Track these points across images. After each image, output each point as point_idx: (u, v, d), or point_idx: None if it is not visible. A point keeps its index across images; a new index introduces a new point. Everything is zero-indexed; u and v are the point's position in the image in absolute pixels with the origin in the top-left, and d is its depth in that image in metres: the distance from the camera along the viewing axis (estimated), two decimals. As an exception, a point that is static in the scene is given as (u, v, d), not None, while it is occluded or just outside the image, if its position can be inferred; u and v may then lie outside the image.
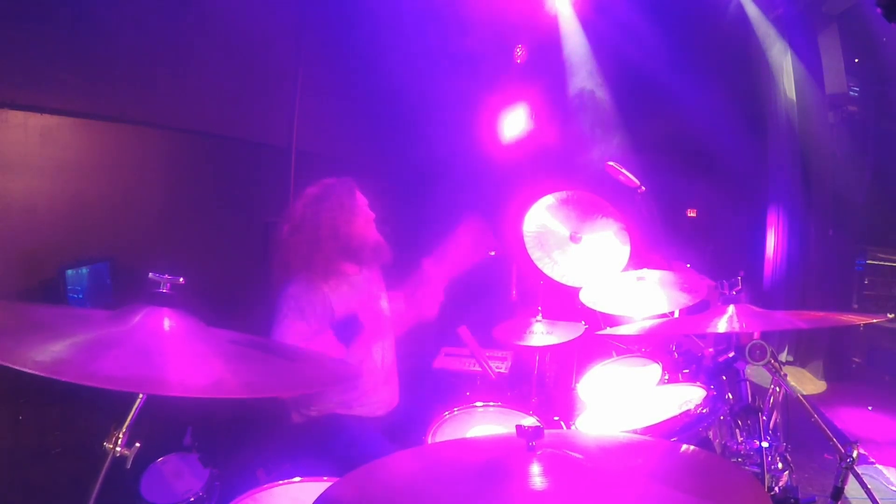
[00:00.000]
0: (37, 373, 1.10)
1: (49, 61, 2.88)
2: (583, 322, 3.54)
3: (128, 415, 1.40)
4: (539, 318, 3.47)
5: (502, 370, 3.93)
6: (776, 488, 2.05)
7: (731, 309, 2.09)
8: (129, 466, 1.39)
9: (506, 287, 4.62)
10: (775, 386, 2.19)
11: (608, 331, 2.81)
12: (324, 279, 2.61)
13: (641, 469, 1.36)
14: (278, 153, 4.49)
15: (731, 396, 2.44)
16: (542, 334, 3.39)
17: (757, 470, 2.01)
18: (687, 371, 3.05)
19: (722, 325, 2.02)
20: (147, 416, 1.42)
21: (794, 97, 6.23)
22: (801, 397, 2.11)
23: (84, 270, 2.97)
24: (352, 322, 2.60)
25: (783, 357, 6.23)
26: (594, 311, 3.30)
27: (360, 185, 2.81)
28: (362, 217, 2.72)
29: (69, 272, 2.87)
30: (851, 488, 1.91)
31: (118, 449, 1.37)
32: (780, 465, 2.09)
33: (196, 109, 3.75)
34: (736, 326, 2.01)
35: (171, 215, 3.59)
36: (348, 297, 2.68)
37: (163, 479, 2.29)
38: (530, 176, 4.68)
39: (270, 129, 4.45)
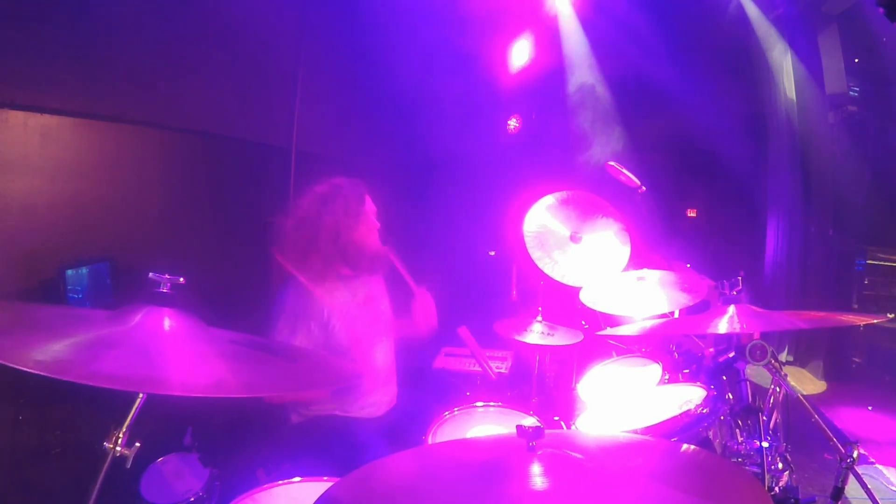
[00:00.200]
0: (38, 372, 1.10)
1: (49, 61, 2.88)
2: (583, 322, 3.54)
3: (128, 415, 1.40)
4: (539, 318, 3.47)
5: (502, 370, 3.93)
6: (776, 488, 2.05)
7: (731, 309, 2.09)
8: (129, 466, 1.39)
9: (506, 287, 4.61)
10: (775, 386, 2.19)
11: (608, 331, 2.81)
12: (319, 282, 2.60)
13: (641, 469, 1.36)
14: (278, 153, 4.49)
15: (731, 396, 2.44)
16: (541, 335, 3.39)
17: (757, 470, 2.01)
18: (687, 371, 3.04)
19: (722, 326, 2.02)
20: (147, 416, 1.42)
21: (794, 97, 6.23)
22: (801, 397, 2.10)
23: (84, 270, 2.97)
24: (346, 326, 2.61)
25: (783, 357, 6.23)
26: (594, 311, 3.30)
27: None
28: (365, 225, 2.68)
29: (69, 272, 2.87)
30: (851, 488, 1.90)
31: (118, 449, 1.37)
32: (780, 465, 2.09)
33: (196, 109, 3.75)
34: (736, 327, 2.01)
35: (171, 215, 3.59)
36: (344, 300, 2.67)
37: (163, 479, 2.29)
38: (530, 176, 4.68)
39: (270, 129, 4.44)
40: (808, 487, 3.29)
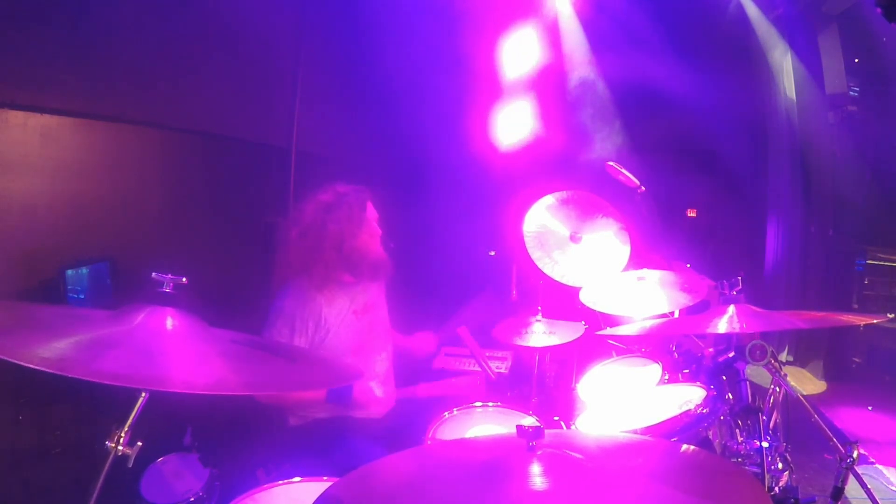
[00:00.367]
0: (43, 369, 1.10)
1: (49, 61, 2.89)
2: (583, 322, 3.54)
3: (128, 414, 1.40)
4: (539, 317, 3.47)
5: (502, 370, 3.93)
6: (776, 488, 2.05)
7: (731, 309, 2.09)
8: (130, 465, 1.39)
9: (506, 287, 4.61)
10: (775, 386, 2.19)
11: (608, 331, 2.81)
12: (320, 288, 2.61)
13: (641, 469, 1.36)
14: (278, 153, 4.49)
15: (731, 396, 2.44)
16: (542, 334, 3.39)
17: (757, 470, 2.01)
18: (687, 371, 3.04)
19: (722, 326, 2.02)
20: (147, 416, 1.43)
21: (794, 97, 6.23)
22: (801, 397, 2.11)
23: (84, 270, 2.97)
24: (343, 331, 2.62)
25: (783, 357, 6.23)
26: (594, 311, 3.30)
27: (355, 180, 2.80)
28: (367, 232, 2.69)
29: (69, 272, 2.88)
30: (851, 488, 1.90)
31: (120, 448, 1.37)
32: (780, 465, 2.09)
33: (196, 109, 3.75)
34: (736, 327, 2.01)
35: (171, 215, 3.59)
36: (342, 306, 2.67)
37: (163, 479, 2.29)
38: (530, 176, 4.68)
39: (270, 129, 4.45)
40: (808, 487, 3.29)
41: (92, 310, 1.52)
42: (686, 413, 2.28)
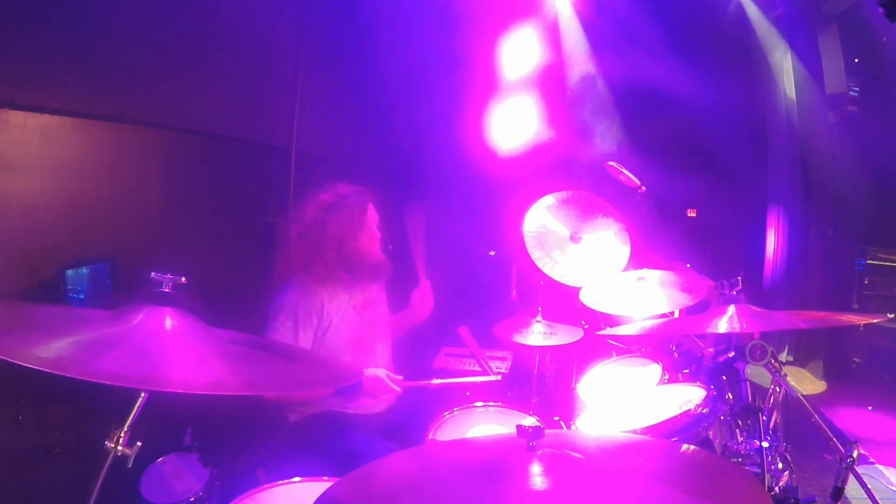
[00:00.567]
0: (41, 369, 1.10)
1: (49, 61, 2.89)
2: (583, 322, 3.54)
3: (128, 415, 1.40)
4: (539, 318, 3.47)
5: (502, 370, 3.93)
6: (776, 488, 2.05)
7: (731, 309, 2.09)
8: (130, 465, 1.39)
9: (506, 287, 4.62)
10: (775, 386, 2.19)
11: (608, 331, 2.81)
12: (321, 284, 2.63)
13: (641, 469, 1.36)
14: (278, 153, 4.49)
15: (731, 396, 2.44)
16: (541, 335, 3.39)
17: (757, 470, 2.01)
18: (687, 371, 3.04)
19: (722, 326, 2.02)
20: (147, 416, 1.43)
21: (794, 97, 6.23)
22: (801, 397, 2.11)
23: (84, 270, 2.97)
24: (344, 328, 2.63)
25: (783, 357, 6.23)
26: (594, 311, 3.30)
27: (355, 180, 2.80)
28: (367, 235, 2.71)
29: (69, 272, 2.88)
30: (851, 488, 1.91)
31: (120, 448, 1.37)
32: (780, 465, 2.09)
33: (196, 109, 3.75)
34: (736, 326, 2.01)
35: (171, 215, 3.59)
36: (342, 303, 2.68)
37: (163, 479, 2.29)
38: (531, 176, 4.68)
39: (270, 129, 4.45)
40: (808, 487, 3.28)
41: (91, 310, 1.52)
42: (686, 413, 2.28)
